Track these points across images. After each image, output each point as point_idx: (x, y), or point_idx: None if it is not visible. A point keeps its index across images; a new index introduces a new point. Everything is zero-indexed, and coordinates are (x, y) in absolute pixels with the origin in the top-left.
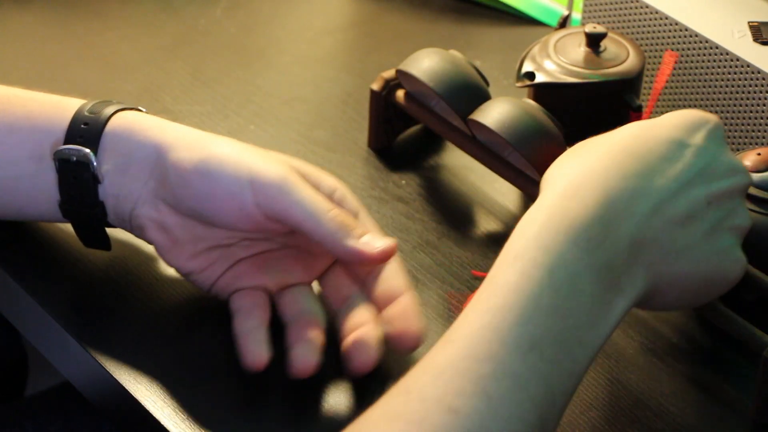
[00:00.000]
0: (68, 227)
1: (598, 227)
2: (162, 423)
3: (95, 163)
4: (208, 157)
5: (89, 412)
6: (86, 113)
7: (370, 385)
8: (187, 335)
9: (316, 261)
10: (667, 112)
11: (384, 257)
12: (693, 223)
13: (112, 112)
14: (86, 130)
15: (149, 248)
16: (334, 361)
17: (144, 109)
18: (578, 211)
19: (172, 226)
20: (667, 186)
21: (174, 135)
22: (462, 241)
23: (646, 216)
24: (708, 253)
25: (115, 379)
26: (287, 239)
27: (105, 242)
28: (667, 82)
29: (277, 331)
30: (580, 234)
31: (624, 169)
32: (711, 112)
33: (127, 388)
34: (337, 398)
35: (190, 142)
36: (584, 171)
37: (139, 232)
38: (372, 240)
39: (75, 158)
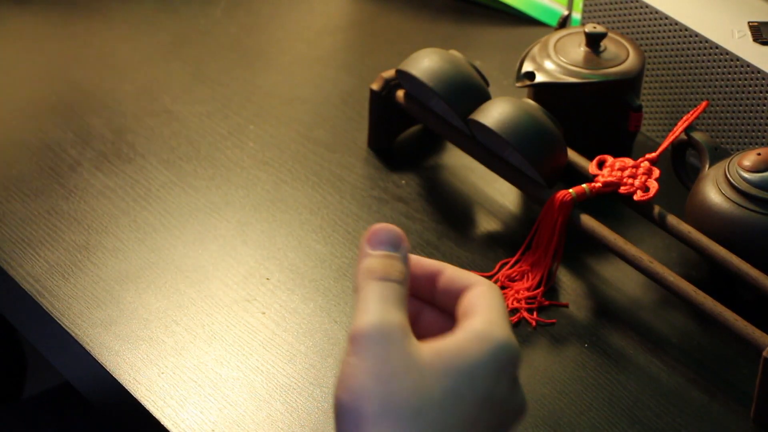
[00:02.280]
0: (66, 229)
1: None
2: (162, 423)
3: None
4: None
5: (87, 414)
6: None
7: None
8: (188, 335)
9: None
10: (667, 111)
11: None
12: None
13: None
14: None
15: (150, 249)
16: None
17: None
18: None
19: None
20: None
21: None
22: (462, 241)
23: None
24: None
25: (115, 379)
26: None
27: None
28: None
29: (273, 339)
30: None
31: None
32: (711, 111)
33: (127, 388)
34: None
35: None
36: None
37: None
38: None
39: None
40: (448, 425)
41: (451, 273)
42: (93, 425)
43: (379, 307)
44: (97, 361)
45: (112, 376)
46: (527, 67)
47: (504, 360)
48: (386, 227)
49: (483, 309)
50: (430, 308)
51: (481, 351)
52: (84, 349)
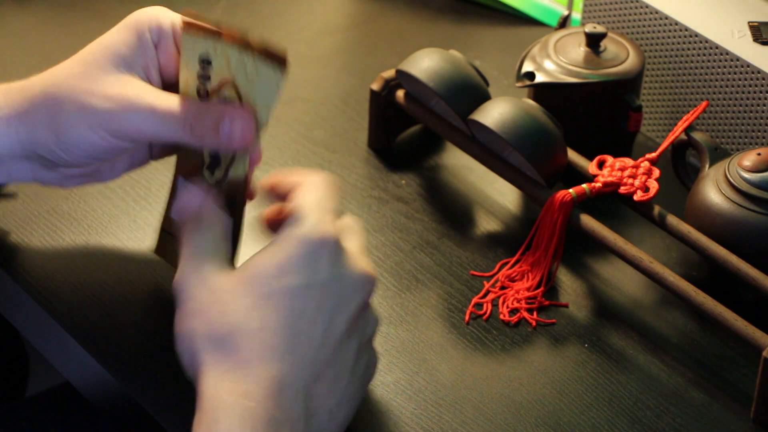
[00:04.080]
0: (66, 229)
1: (280, 416)
2: (162, 423)
3: None
4: (60, 129)
5: (89, 413)
6: None
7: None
8: None
9: None
10: (667, 111)
11: (247, 140)
12: (343, 365)
13: None
14: None
15: (150, 249)
16: None
17: None
18: (257, 409)
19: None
20: (313, 346)
21: (21, 119)
22: (462, 241)
23: (308, 388)
24: (358, 383)
25: (115, 379)
26: None
27: None
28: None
29: None
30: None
31: (275, 348)
32: (711, 111)
33: (126, 388)
34: None
35: (40, 120)
36: (242, 363)
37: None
38: (233, 125)
39: None
40: (272, 326)
41: (277, 179)
42: (96, 424)
43: (188, 255)
44: (97, 362)
45: (111, 376)
46: (527, 67)
47: (310, 251)
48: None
49: (294, 211)
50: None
51: (285, 251)
52: (83, 349)
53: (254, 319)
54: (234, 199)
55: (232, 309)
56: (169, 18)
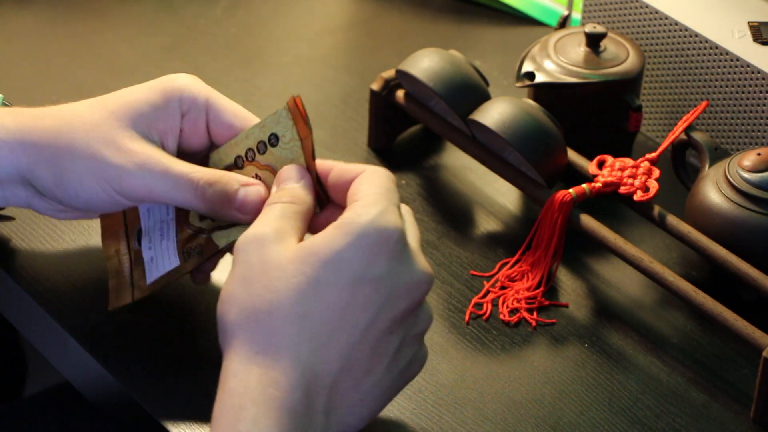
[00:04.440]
0: (66, 229)
1: (302, 409)
2: (162, 423)
3: None
4: (64, 172)
5: (87, 412)
6: None
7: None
8: (188, 335)
9: None
10: (667, 111)
11: (258, 211)
12: (377, 360)
13: None
14: None
15: None
16: None
17: (8, 103)
18: (283, 399)
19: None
20: (351, 341)
21: (26, 148)
22: (462, 241)
23: (335, 382)
24: (392, 378)
25: (115, 379)
26: None
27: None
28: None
29: None
30: (290, 423)
31: (312, 338)
32: (711, 111)
33: (127, 388)
34: None
35: (46, 157)
36: (274, 348)
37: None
38: (247, 194)
39: None
40: (311, 312)
41: (338, 168)
42: (95, 424)
43: (257, 223)
44: (97, 361)
45: (111, 376)
46: (527, 67)
47: (371, 242)
48: (287, 168)
49: (358, 196)
50: (332, 208)
51: (345, 238)
52: (83, 349)
53: (297, 303)
54: (199, 251)
55: (278, 286)
56: (203, 92)
